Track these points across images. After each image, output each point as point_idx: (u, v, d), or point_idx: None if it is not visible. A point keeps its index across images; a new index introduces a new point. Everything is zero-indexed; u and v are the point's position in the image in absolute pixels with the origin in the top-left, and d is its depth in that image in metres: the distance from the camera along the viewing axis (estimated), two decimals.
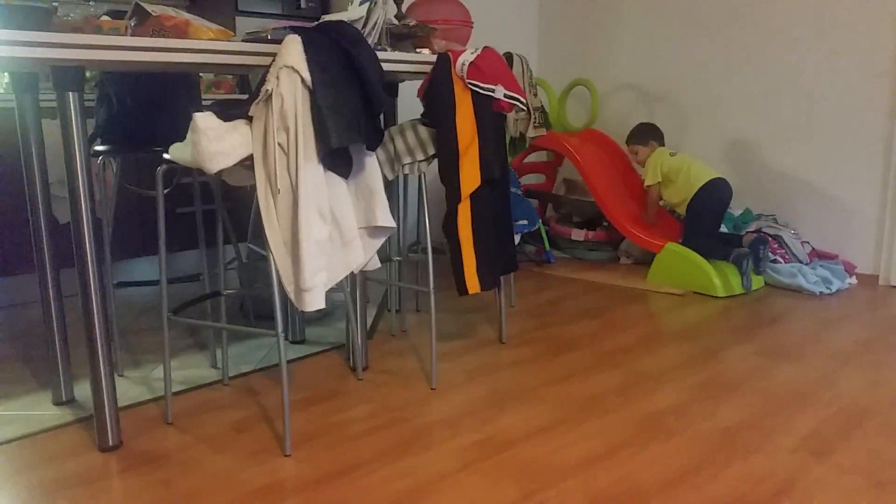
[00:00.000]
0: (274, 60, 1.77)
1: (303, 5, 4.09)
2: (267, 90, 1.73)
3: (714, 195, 3.47)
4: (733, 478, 1.73)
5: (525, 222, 3.87)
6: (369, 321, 2.94)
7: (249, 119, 1.81)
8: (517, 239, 3.89)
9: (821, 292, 3.34)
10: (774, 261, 3.53)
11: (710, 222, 3.52)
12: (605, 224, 4.18)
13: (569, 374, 2.43)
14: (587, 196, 4.28)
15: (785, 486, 1.69)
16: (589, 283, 3.69)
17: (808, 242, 3.64)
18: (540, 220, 4.19)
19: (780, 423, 2.03)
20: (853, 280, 3.52)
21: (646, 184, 3.72)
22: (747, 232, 3.68)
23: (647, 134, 3.79)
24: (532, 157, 4.62)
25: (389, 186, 2.76)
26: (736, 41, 3.97)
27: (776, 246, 3.57)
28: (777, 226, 3.68)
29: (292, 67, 1.72)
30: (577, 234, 4.21)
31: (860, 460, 1.80)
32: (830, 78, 3.63)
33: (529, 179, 4.75)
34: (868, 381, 2.33)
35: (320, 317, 3.03)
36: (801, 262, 3.52)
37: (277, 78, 1.73)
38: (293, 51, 1.74)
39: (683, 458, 1.83)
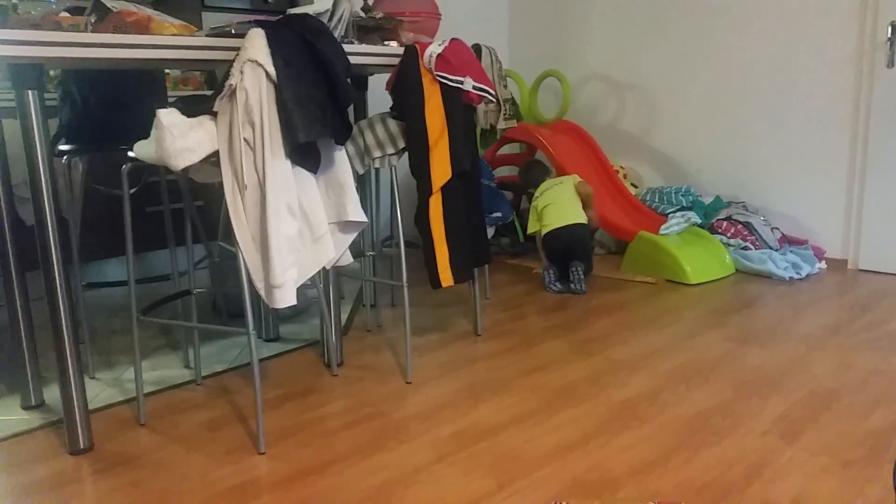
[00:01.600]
0: (238, 55, 1.75)
1: (270, 0, 4.05)
2: (231, 85, 1.71)
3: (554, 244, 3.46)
4: (705, 462, 1.75)
5: (499, 214, 3.88)
6: (344, 317, 2.93)
7: (214, 115, 1.79)
8: (491, 231, 3.89)
9: (791, 277, 3.39)
10: (745, 248, 3.57)
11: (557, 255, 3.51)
12: None
13: (543, 364, 2.44)
14: None
15: (756, 469, 1.71)
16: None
17: (777, 228, 3.68)
18: (514, 212, 4.20)
19: (750, 407, 2.05)
20: (822, 265, 3.58)
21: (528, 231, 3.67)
22: (717, 220, 3.72)
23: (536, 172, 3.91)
24: (505, 149, 4.62)
25: (361, 180, 2.76)
26: (704, 31, 4.00)
27: (746, 233, 3.61)
28: (747, 213, 3.72)
29: (256, 62, 1.71)
30: None
31: (829, 441, 1.83)
32: (797, 65, 3.67)
33: (503, 171, 4.75)
34: (836, 363, 2.37)
35: (294, 314, 3.01)
36: (770, 248, 3.56)
37: (241, 72, 1.71)
38: (257, 45, 1.72)
39: (655, 445, 1.84)
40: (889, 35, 3.34)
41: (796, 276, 3.40)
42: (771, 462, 1.74)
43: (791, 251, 3.54)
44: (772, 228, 3.65)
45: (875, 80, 3.42)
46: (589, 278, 3.46)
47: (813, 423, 1.93)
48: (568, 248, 3.41)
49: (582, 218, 3.42)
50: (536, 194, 3.63)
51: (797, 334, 2.66)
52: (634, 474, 1.70)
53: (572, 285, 3.32)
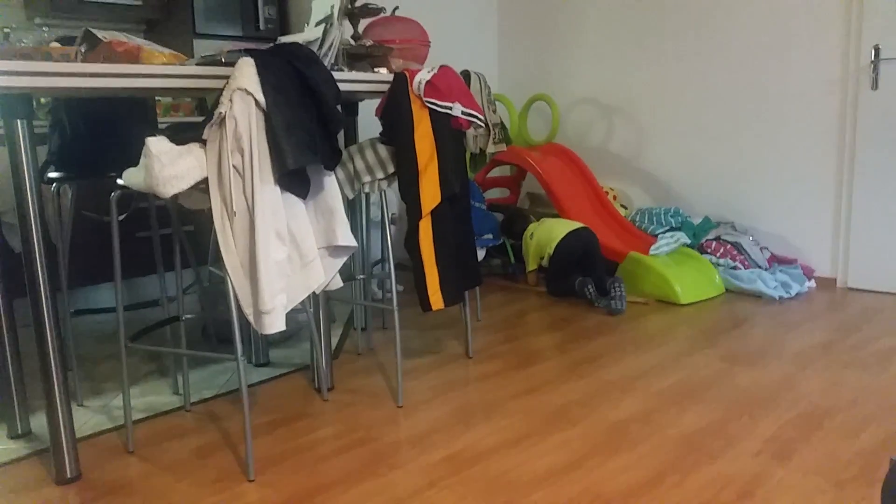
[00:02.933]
0: (227, 83, 1.77)
1: (262, 27, 4.09)
2: (220, 113, 1.72)
3: (567, 247, 3.53)
4: (697, 483, 1.74)
5: (490, 236, 3.89)
6: (335, 341, 2.93)
7: (204, 142, 1.79)
8: (482, 253, 3.90)
9: (780, 297, 3.40)
10: (735, 267, 3.59)
11: (573, 268, 3.57)
12: None
13: (535, 386, 2.43)
14: (551, 209, 4.32)
15: (748, 490, 1.71)
16: (555, 294, 3.71)
17: (766, 248, 3.71)
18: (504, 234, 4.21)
19: (742, 427, 2.05)
20: (812, 283, 3.60)
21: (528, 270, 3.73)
22: (707, 240, 3.74)
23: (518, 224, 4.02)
24: (496, 172, 4.65)
25: (352, 205, 2.77)
26: (691, 53, 4.05)
27: (735, 252, 3.63)
28: (736, 233, 3.74)
29: (245, 90, 1.72)
30: None
31: (821, 461, 1.83)
32: (784, 88, 3.72)
33: (494, 194, 4.78)
34: (828, 382, 2.37)
35: (285, 338, 3.00)
36: (760, 267, 3.58)
37: (231, 101, 1.73)
38: (246, 73, 1.74)
39: (648, 466, 1.84)
40: (872, 58, 3.39)
41: (786, 296, 3.41)
42: (763, 483, 1.74)
43: (780, 270, 3.56)
44: (761, 248, 3.67)
45: (860, 101, 3.47)
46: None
47: (804, 443, 1.93)
48: (585, 254, 3.46)
49: (580, 224, 3.49)
50: (525, 236, 3.71)
51: (788, 353, 2.67)
52: (627, 497, 1.70)
53: (613, 303, 3.28)
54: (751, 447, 1.92)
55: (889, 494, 0.94)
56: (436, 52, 2.86)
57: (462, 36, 4.65)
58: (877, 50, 3.38)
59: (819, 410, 2.14)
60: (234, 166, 1.75)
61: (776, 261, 3.68)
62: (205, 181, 1.81)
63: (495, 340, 2.98)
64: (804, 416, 2.11)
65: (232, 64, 1.80)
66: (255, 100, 1.73)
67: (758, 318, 3.17)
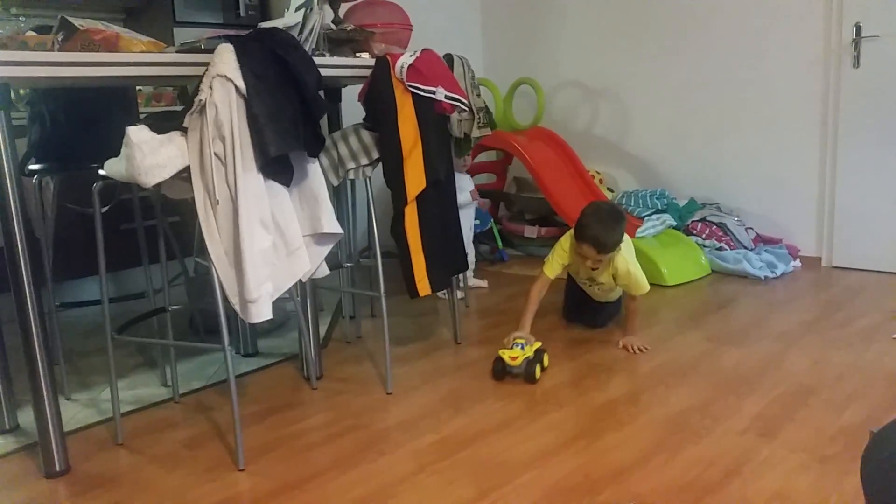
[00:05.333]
0: (207, 70, 1.75)
1: (242, 14, 4.04)
2: (200, 100, 1.71)
3: None
4: (684, 462, 1.76)
5: (477, 222, 3.89)
6: (323, 329, 2.92)
7: (185, 130, 1.78)
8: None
9: (766, 276, 3.43)
10: (720, 248, 3.61)
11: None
12: (558, 220, 4.22)
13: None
14: (538, 193, 4.31)
15: (735, 468, 1.72)
16: None
17: (752, 228, 3.73)
18: (492, 219, 4.21)
19: (729, 406, 2.07)
20: (797, 263, 3.62)
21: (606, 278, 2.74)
22: (692, 222, 3.76)
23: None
24: (482, 157, 4.64)
25: (337, 192, 2.75)
26: (674, 37, 4.04)
27: (721, 233, 3.65)
28: (721, 213, 3.76)
29: (226, 76, 1.70)
30: (530, 231, 4.24)
31: (805, 438, 1.85)
32: (766, 68, 3.72)
33: (480, 179, 4.77)
34: (812, 360, 2.39)
35: (273, 328, 2.99)
36: (745, 248, 3.60)
37: (211, 88, 1.71)
38: (226, 59, 1.72)
39: (636, 447, 1.85)
40: (854, 36, 3.40)
41: (771, 275, 3.43)
42: (749, 460, 1.75)
43: (766, 250, 3.58)
44: (746, 228, 3.69)
45: (842, 80, 3.48)
46: None
47: (790, 421, 1.95)
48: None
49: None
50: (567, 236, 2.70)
51: (773, 332, 2.69)
52: (615, 477, 1.71)
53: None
54: (737, 425, 1.94)
55: (868, 465, 0.96)
56: (419, 36, 2.84)
57: (445, 19, 4.61)
58: (858, 28, 3.38)
59: (804, 388, 2.16)
60: (215, 154, 1.74)
61: (761, 241, 3.70)
62: (187, 170, 1.79)
63: (484, 326, 2.99)
64: (789, 394, 2.13)
65: (212, 51, 1.77)
66: (236, 86, 1.71)
67: (743, 298, 3.19)
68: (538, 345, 2.43)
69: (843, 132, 3.51)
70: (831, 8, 3.47)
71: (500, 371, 2.36)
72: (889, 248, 3.44)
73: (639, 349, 2.58)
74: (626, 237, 2.60)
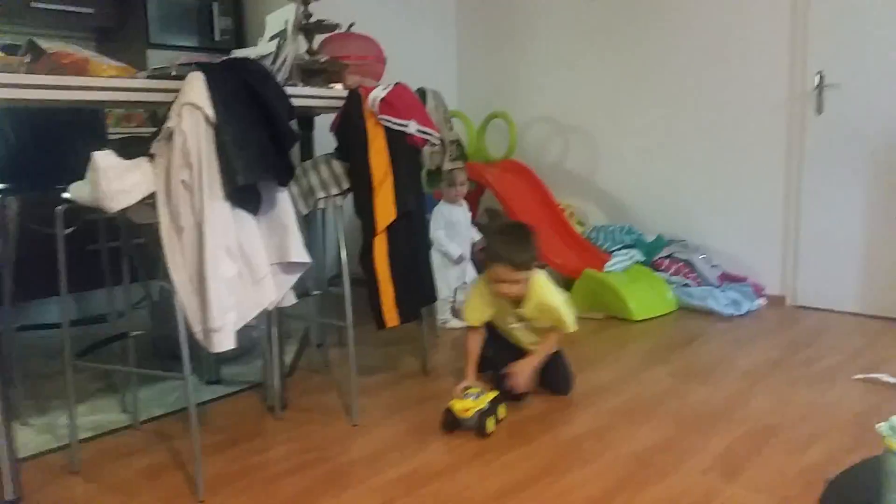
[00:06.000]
0: (177, 98, 1.74)
1: (217, 37, 4.05)
2: (168, 128, 1.70)
3: None
4: (647, 501, 1.76)
5: None
6: (289, 357, 2.88)
7: (152, 157, 1.76)
8: None
9: (731, 314, 3.47)
10: (687, 285, 3.65)
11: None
12: None
13: None
14: None
15: None
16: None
17: (717, 266, 3.78)
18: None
19: (693, 444, 2.08)
20: (762, 301, 3.67)
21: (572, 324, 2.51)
22: (659, 258, 3.80)
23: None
24: None
25: (308, 219, 2.74)
26: (645, 75, 4.12)
27: (687, 270, 3.69)
28: (688, 250, 3.81)
29: (195, 104, 1.70)
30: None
31: (767, 478, 1.86)
32: (733, 110, 3.81)
33: None
34: (776, 399, 2.42)
35: (238, 354, 2.94)
36: (711, 285, 3.65)
37: (179, 115, 1.70)
38: (196, 88, 1.71)
39: (600, 484, 1.85)
40: (817, 83, 3.50)
41: (736, 313, 3.48)
42: (712, 500, 1.76)
43: (731, 288, 3.63)
44: (712, 266, 3.74)
45: (806, 124, 3.57)
46: None
47: (753, 460, 1.97)
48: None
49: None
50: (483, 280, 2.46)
51: (738, 370, 2.72)
52: None
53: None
54: (700, 464, 1.95)
55: None
56: (395, 68, 2.86)
57: (421, 53, 4.66)
58: (821, 76, 3.48)
59: (767, 427, 2.18)
60: (182, 181, 1.72)
61: (727, 278, 3.76)
62: (153, 196, 1.78)
63: (453, 356, 2.97)
64: (753, 433, 2.15)
65: (182, 78, 1.77)
66: (205, 115, 1.71)
67: (709, 334, 3.22)
68: (493, 395, 2.24)
69: (807, 175, 3.59)
70: (795, 56, 3.57)
71: (451, 424, 2.18)
72: (851, 289, 3.51)
73: (512, 388, 2.32)
74: (546, 278, 2.42)
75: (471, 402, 2.18)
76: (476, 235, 3.59)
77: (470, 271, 3.55)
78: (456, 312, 3.43)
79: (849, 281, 3.51)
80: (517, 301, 2.39)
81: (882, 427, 1.06)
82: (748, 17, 3.70)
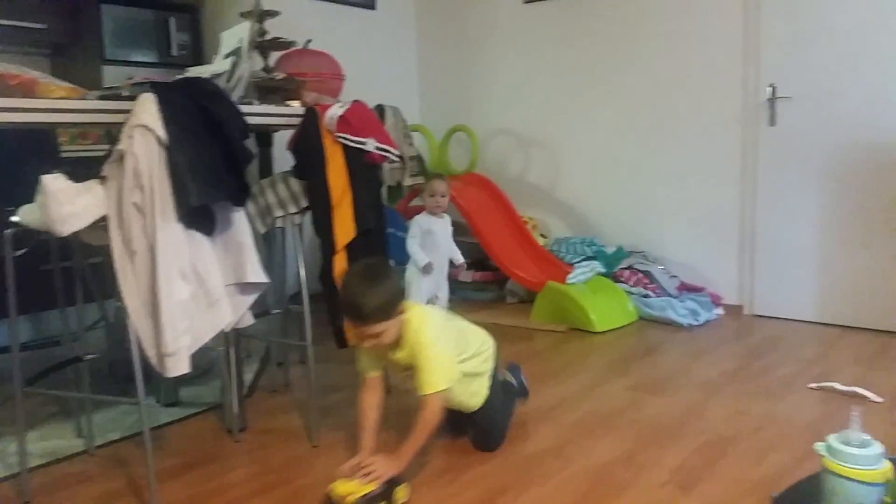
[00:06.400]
0: (128, 119, 1.72)
1: (175, 53, 4.00)
2: (119, 150, 1.67)
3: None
4: None
5: None
6: (249, 377, 2.85)
7: (103, 179, 1.74)
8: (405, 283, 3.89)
9: (690, 324, 3.52)
10: (646, 295, 3.70)
11: None
12: (491, 264, 4.26)
13: None
14: (472, 238, 4.35)
15: None
16: (476, 323, 3.70)
17: (676, 276, 3.83)
18: None
19: (651, 457, 2.10)
20: (719, 311, 3.73)
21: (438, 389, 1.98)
22: (620, 269, 3.84)
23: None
24: (417, 201, 4.66)
25: (268, 237, 2.72)
26: (604, 89, 4.18)
27: (647, 281, 3.74)
28: (647, 262, 3.86)
29: (146, 126, 1.68)
30: (465, 276, 4.26)
31: (723, 490, 1.89)
32: (689, 124, 3.88)
33: None
34: (732, 410, 2.46)
35: (196, 375, 2.90)
36: (670, 295, 3.70)
37: (131, 137, 1.68)
38: (147, 109, 1.69)
39: (560, 500, 1.86)
40: (770, 96, 3.58)
41: (695, 323, 3.53)
42: None
43: (689, 298, 3.69)
44: (671, 276, 3.80)
45: (760, 136, 3.65)
46: None
47: (709, 472, 1.99)
48: None
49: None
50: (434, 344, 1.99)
51: (695, 381, 2.76)
52: None
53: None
54: (658, 477, 1.97)
55: None
56: (354, 85, 2.86)
57: (382, 68, 4.67)
58: (773, 89, 3.57)
59: (723, 439, 2.21)
60: (134, 204, 1.70)
61: (685, 289, 3.81)
62: (104, 219, 1.75)
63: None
64: (709, 444, 2.18)
65: (133, 98, 1.75)
66: (157, 136, 1.69)
67: (668, 345, 3.27)
68: (391, 474, 1.84)
69: (762, 186, 3.67)
70: (748, 69, 3.65)
71: None
72: (807, 298, 3.59)
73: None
74: (430, 316, 2.03)
75: (355, 485, 1.78)
76: (456, 252, 3.48)
77: (443, 287, 3.50)
78: None
79: (804, 290, 3.59)
80: (396, 346, 1.99)
81: (819, 447, 1.08)
82: (702, 32, 3.78)
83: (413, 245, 3.39)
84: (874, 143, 3.33)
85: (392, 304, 1.90)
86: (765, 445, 2.16)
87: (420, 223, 3.40)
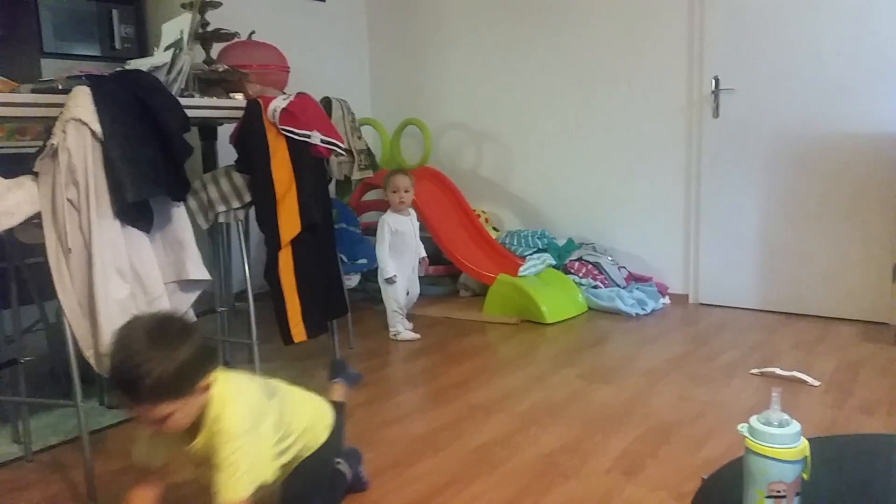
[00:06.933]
0: (62, 113, 1.67)
1: (118, 46, 3.91)
2: (52, 144, 1.63)
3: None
4: (552, 503, 1.80)
5: (364, 261, 3.87)
6: None
7: (36, 175, 1.69)
8: (357, 278, 3.87)
9: (637, 313, 3.58)
10: (596, 287, 3.75)
11: None
12: (444, 258, 4.26)
13: (403, 414, 2.43)
14: (425, 232, 4.35)
15: None
16: (430, 317, 3.73)
17: (624, 267, 3.90)
18: None
19: (596, 444, 2.13)
20: (666, 300, 3.81)
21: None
22: (570, 261, 3.89)
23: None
24: (371, 195, 4.64)
25: (212, 234, 2.68)
26: (550, 80, 4.22)
27: (596, 272, 3.79)
28: (596, 253, 3.92)
29: (80, 120, 1.63)
30: (419, 270, 4.26)
31: (666, 475, 1.93)
32: (635, 117, 3.94)
33: (371, 217, 4.76)
34: (676, 396, 2.51)
35: None
36: (618, 286, 3.76)
37: (64, 131, 1.63)
38: (81, 102, 1.65)
39: (506, 489, 1.87)
40: (713, 88, 3.66)
41: (642, 312, 3.60)
42: (612, 499, 1.81)
43: (637, 288, 3.75)
44: (619, 267, 3.85)
45: (704, 128, 3.73)
46: None
47: (652, 458, 2.03)
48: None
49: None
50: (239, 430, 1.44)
51: (641, 369, 2.81)
52: None
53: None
54: (603, 464, 2.00)
55: None
56: (303, 78, 2.83)
57: (331, 61, 4.63)
58: (717, 81, 3.65)
59: (667, 425, 2.26)
60: (68, 200, 1.66)
61: (633, 279, 3.88)
62: (38, 216, 1.70)
63: (366, 368, 2.95)
64: (653, 431, 2.22)
65: (68, 92, 1.70)
66: (91, 130, 1.65)
67: (616, 335, 3.32)
68: None
69: (706, 177, 3.75)
70: (692, 62, 3.72)
71: None
72: (749, 286, 3.68)
73: None
74: (238, 390, 1.46)
75: None
76: (420, 246, 3.45)
77: (415, 284, 3.47)
78: (406, 325, 3.41)
79: (748, 278, 3.68)
80: (191, 435, 1.42)
81: (742, 428, 1.12)
82: (648, 26, 3.84)
83: (382, 252, 3.30)
84: (814, 134, 3.43)
85: (188, 379, 1.33)
86: (706, 430, 2.21)
87: (388, 224, 3.30)
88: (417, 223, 3.48)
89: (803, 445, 1.07)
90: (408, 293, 3.43)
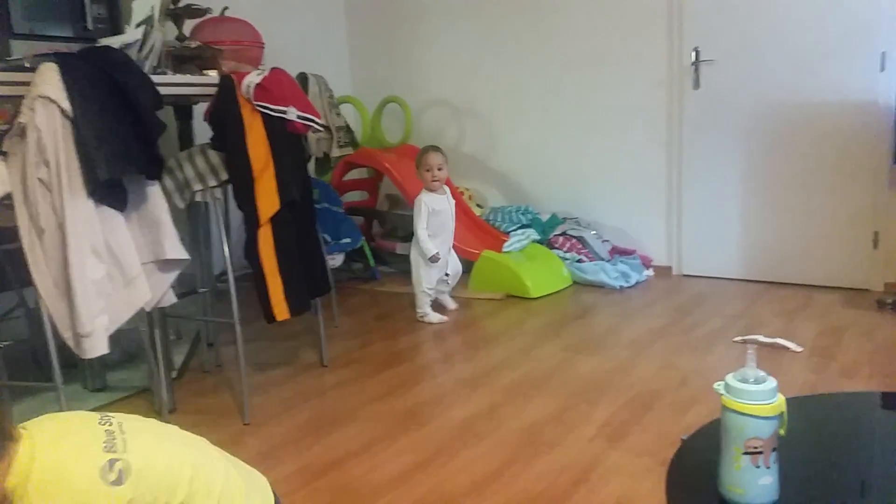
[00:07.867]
0: (29, 90, 1.64)
1: (91, 26, 3.82)
2: (20, 123, 1.60)
3: None
4: (536, 472, 1.81)
5: (348, 240, 3.85)
6: (180, 359, 2.79)
7: (5, 155, 1.66)
8: (341, 258, 3.86)
9: (621, 286, 3.59)
10: (580, 260, 3.76)
11: None
12: None
13: (389, 390, 2.43)
14: (409, 210, 4.33)
15: (583, 475, 1.78)
16: (413, 295, 3.72)
17: (608, 241, 3.90)
18: (363, 237, 4.18)
19: (581, 414, 2.15)
20: (650, 272, 3.82)
21: None
22: (554, 235, 3.89)
23: None
24: (353, 174, 4.61)
25: (192, 213, 2.65)
26: (533, 56, 4.19)
27: (580, 246, 3.80)
28: (580, 227, 3.92)
29: (49, 97, 1.60)
30: (403, 248, 4.24)
31: (649, 442, 1.94)
32: (617, 89, 3.92)
33: (353, 196, 4.74)
34: (659, 365, 2.52)
35: (124, 360, 2.83)
36: (602, 259, 3.77)
37: (32, 109, 1.60)
38: (49, 79, 1.62)
39: (491, 460, 1.88)
40: (693, 59, 3.65)
41: (626, 285, 3.61)
42: (597, 466, 1.82)
43: (621, 261, 3.76)
44: (602, 241, 3.86)
45: (685, 100, 3.72)
46: None
47: (636, 426, 2.05)
48: None
49: None
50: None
51: (625, 340, 2.82)
52: (471, 492, 1.73)
53: None
54: (587, 433, 2.01)
55: (674, 472, 1.01)
56: (280, 54, 2.79)
57: (309, 37, 4.57)
58: (697, 52, 3.64)
59: (650, 393, 2.28)
60: (40, 179, 1.63)
61: (617, 252, 3.88)
62: (9, 197, 1.67)
63: (352, 346, 2.95)
64: (636, 399, 2.24)
65: (35, 69, 1.66)
66: (61, 108, 1.62)
67: (600, 307, 3.33)
68: None
69: (687, 149, 3.75)
70: (672, 34, 3.71)
71: None
72: (732, 256, 3.70)
73: None
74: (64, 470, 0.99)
75: None
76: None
77: (452, 264, 3.39)
78: (436, 306, 3.33)
79: (729, 248, 3.70)
80: None
81: (718, 386, 1.12)
82: None
83: (422, 232, 3.23)
84: (794, 105, 3.43)
85: None
86: (689, 397, 2.23)
87: (427, 203, 3.23)
88: (453, 200, 3.39)
89: (780, 401, 1.07)
90: (447, 274, 3.37)
